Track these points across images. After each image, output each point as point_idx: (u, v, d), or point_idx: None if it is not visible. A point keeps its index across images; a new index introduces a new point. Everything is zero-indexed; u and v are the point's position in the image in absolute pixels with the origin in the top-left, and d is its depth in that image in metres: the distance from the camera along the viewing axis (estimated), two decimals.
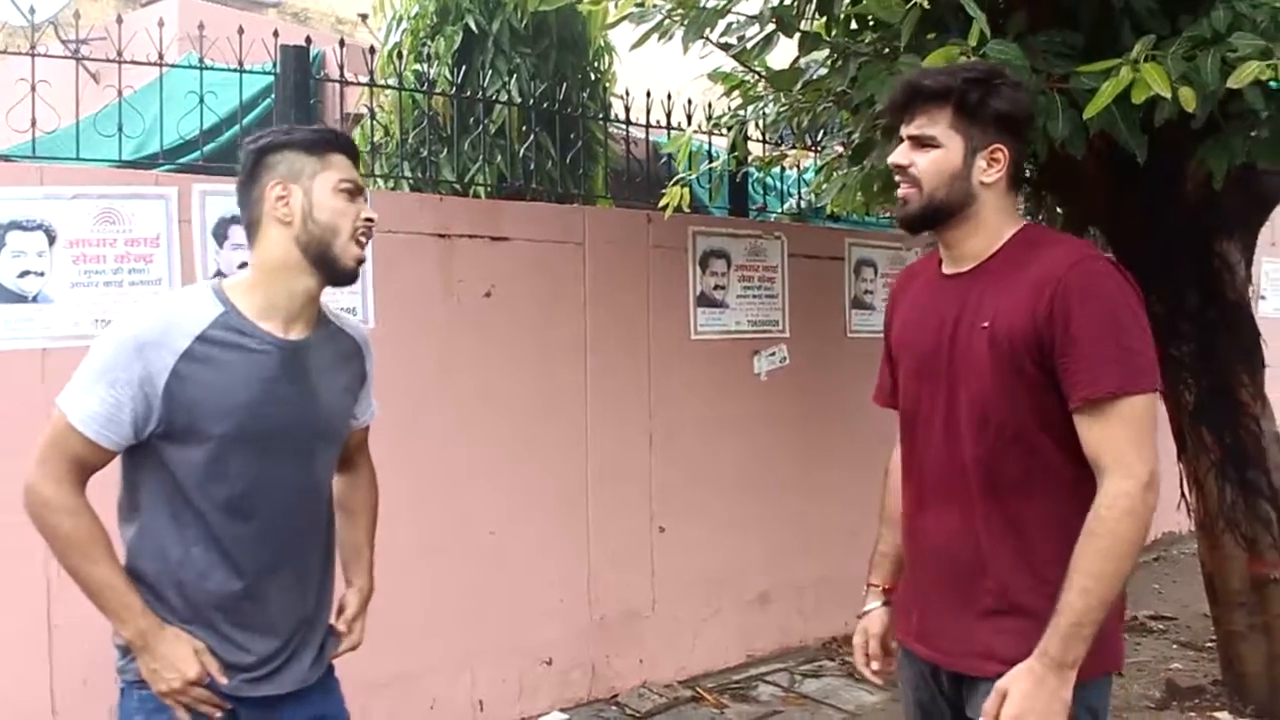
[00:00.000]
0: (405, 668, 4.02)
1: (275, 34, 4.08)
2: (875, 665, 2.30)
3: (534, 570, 4.38)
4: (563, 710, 4.43)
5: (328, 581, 2.16)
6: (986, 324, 1.93)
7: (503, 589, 4.30)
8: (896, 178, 2.03)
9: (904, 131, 2.02)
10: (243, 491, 1.93)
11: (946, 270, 2.06)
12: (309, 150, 1.98)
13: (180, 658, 1.91)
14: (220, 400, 1.88)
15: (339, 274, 1.99)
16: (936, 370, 2.02)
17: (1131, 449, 1.83)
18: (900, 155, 2.01)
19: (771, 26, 3.39)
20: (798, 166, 5.75)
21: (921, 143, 1.98)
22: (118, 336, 1.87)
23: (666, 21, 3.37)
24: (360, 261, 2.00)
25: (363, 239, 2.00)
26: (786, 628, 5.23)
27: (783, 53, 3.83)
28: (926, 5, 2.32)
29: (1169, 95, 2.50)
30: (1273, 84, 2.57)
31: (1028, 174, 4.41)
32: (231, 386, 1.89)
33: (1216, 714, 4.29)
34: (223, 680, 1.95)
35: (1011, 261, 1.96)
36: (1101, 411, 1.83)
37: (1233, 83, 2.45)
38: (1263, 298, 7.78)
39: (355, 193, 2.00)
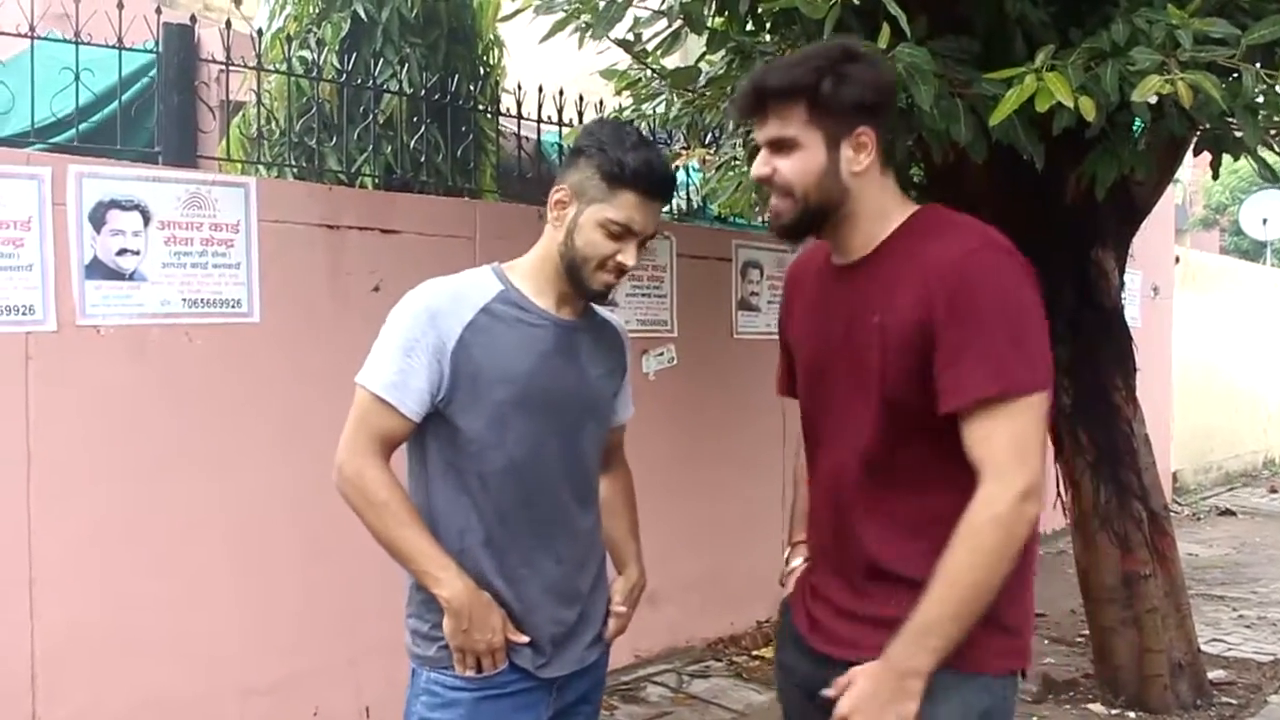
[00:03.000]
0: (286, 672, 3.89)
1: (158, 11, 3.91)
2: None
3: None
4: None
5: (602, 564, 2.21)
6: (877, 317, 1.81)
7: (388, 589, 4.19)
8: (766, 189, 1.91)
9: (759, 138, 1.88)
10: (520, 457, 1.99)
11: (835, 261, 1.93)
12: (604, 175, 1.98)
13: (493, 623, 1.96)
14: (503, 367, 1.97)
15: (585, 292, 2.05)
16: (830, 365, 1.92)
17: (1012, 455, 1.70)
18: (761, 165, 1.87)
19: (679, 23, 3.38)
20: (686, 168, 5.77)
21: (780, 146, 1.84)
22: (411, 308, 1.99)
23: (572, 16, 3.33)
24: (608, 288, 2.05)
25: (610, 276, 2.02)
26: (674, 628, 5.23)
27: (680, 52, 3.83)
28: (857, 3, 2.33)
29: (1071, 104, 2.57)
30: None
31: (915, 180, 4.51)
32: (512, 355, 1.99)
33: (1090, 706, 4.44)
34: (521, 639, 2.01)
35: (903, 250, 1.84)
36: (985, 412, 1.70)
37: (1136, 96, 2.53)
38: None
39: (621, 236, 1.99)
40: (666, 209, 6.18)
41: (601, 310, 2.20)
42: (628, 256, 2.00)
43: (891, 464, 1.83)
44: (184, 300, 3.67)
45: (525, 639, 2.01)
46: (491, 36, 5.59)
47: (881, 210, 1.86)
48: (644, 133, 2.09)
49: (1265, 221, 15.92)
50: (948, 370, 1.71)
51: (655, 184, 1.99)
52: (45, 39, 3.80)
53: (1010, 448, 1.70)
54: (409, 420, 1.97)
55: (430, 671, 2.02)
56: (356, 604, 4.06)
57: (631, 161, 1.96)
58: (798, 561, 2.15)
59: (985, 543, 1.70)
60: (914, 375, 1.76)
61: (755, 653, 5.26)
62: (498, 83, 5.63)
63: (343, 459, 1.99)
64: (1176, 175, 4.93)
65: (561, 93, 5.15)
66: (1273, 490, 12.21)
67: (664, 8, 3.47)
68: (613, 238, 1.98)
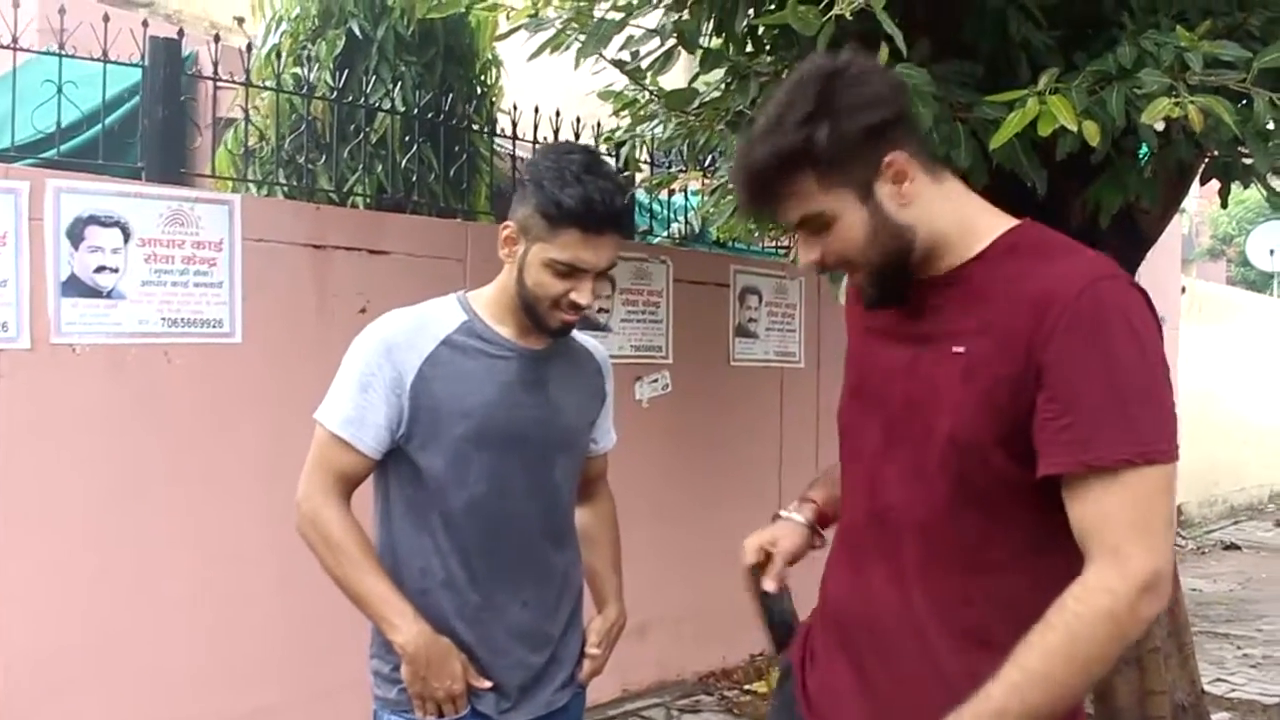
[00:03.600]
0: (259, 703, 3.78)
1: (144, 24, 3.84)
2: (769, 584, 1.89)
3: None
4: None
5: (577, 604, 2.13)
6: (961, 349, 1.51)
7: (365, 621, 4.09)
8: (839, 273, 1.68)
9: (785, 224, 1.60)
10: (483, 495, 1.92)
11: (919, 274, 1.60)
12: (542, 214, 1.89)
13: (451, 670, 1.89)
14: (460, 401, 1.90)
15: (543, 329, 1.97)
16: (883, 397, 1.62)
17: (1133, 534, 1.39)
18: (805, 253, 1.59)
19: (672, 42, 3.30)
20: (685, 191, 5.69)
21: (812, 226, 1.55)
22: (368, 342, 1.94)
23: (564, 34, 3.26)
24: (567, 325, 1.97)
25: (566, 314, 1.94)
26: (664, 661, 5.12)
27: (676, 73, 3.75)
28: (849, 16, 2.25)
29: (1075, 128, 2.48)
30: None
31: None
32: (471, 388, 1.92)
33: None
34: (484, 685, 1.94)
35: (1001, 272, 1.52)
36: (1100, 482, 1.40)
37: (1145, 119, 2.44)
38: None
39: (569, 275, 1.90)
40: (665, 233, 6.11)
41: (579, 336, 2.14)
42: (581, 295, 1.91)
43: (950, 531, 1.53)
44: (163, 319, 3.59)
45: (488, 684, 1.94)
46: (488, 56, 5.52)
47: (962, 222, 1.56)
48: (594, 159, 1.94)
49: (1272, 252, 15.85)
50: (1060, 422, 1.42)
51: (596, 221, 1.88)
52: (28, 50, 3.73)
53: (1135, 525, 1.40)
54: (367, 458, 1.92)
55: (391, 714, 1.96)
56: (334, 635, 3.93)
57: (568, 199, 1.86)
58: (797, 516, 1.92)
59: (1086, 636, 1.38)
60: (999, 419, 1.47)
61: (747, 687, 5.14)
62: (494, 103, 5.56)
63: (301, 497, 1.94)
64: (1183, 205, 4.84)
65: (558, 113, 5.07)
66: (1278, 524, 12.08)
67: (658, 26, 3.39)
68: (561, 277, 1.90)
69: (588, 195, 1.86)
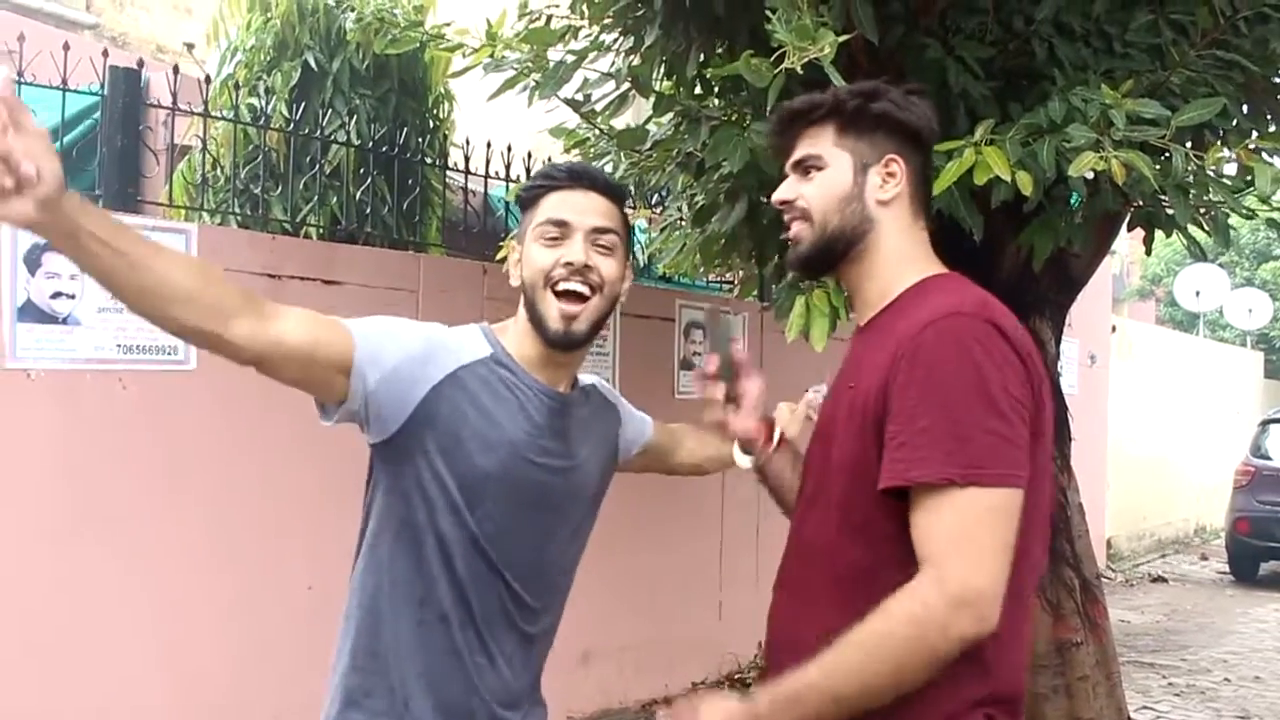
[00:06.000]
0: None
1: (105, 54, 3.89)
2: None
3: None
4: None
5: (544, 656, 1.94)
6: (852, 385, 1.63)
7: (316, 645, 4.11)
8: (786, 217, 1.76)
9: (787, 165, 1.77)
10: (489, 535, 1.72)
11: (857, 320, 1.76)
12: (526, 203, 1.80)
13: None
14: (488, 431, 1.71)
15: (547, 336, 1.74)
16: (819, 433, 1.74)
17: (953, 550, 1.45)
18: (785, 189, 1.74)
19: (627, 85, 3.41)
20: (633, 227, 5.79)
21: (805, 167, 1.72)
22: (418, 326, 1.74)
23: (521, 75, 3.35)
24: (569, 319, 1.72)
25: (560, 290, 1.72)
26: (607, 689, 5.18)
27: (627, 113, 3.86)
28: (800, 70, 2.37)
29: (1009, 178, 2.62)
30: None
31: None
32: (500, 421, 1.72)
33: None
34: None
35: (897, 313, 1.64)
36: (930, 500, 1.48)
37: (1072, 171, 2.58)
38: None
39: (557, 238, 1.73)
40: None
41: (585, 377, 1.94)
42: (572, 251, 1.71)
43: (843, 555, 1.61)
44: (118, 346, 3.62)
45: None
46: (441, 90, 5.61)
47: (902, 257, 1.69)
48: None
49: (1198, 294, 16.31)
50: (895, 442, 1.51)
51: (569, 174, 1.78)
52: None
53: (957, 544, 1.45)
54: (347, 352, 1.61)
55: None
56: (287, 661, 3.97)
57: (539, 174, 1.82)
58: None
59: (893, 640, 1.46)
60: (869, 447, 1.56)
61: None
62: (446, 136, 5.64)
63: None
64: (1114, 246, 5.03)
65: (509, 149, 5.17)
66: (1203, 557, 12.40)
67: (613, 70, 3.50)
68: (550, 242, 1.73)
69: (557, 164, 1.84)
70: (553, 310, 1.72)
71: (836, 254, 1.71)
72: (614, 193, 1.80)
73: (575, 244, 1.72)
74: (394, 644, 1.74)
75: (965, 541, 1.45)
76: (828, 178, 1.69)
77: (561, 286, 1.71)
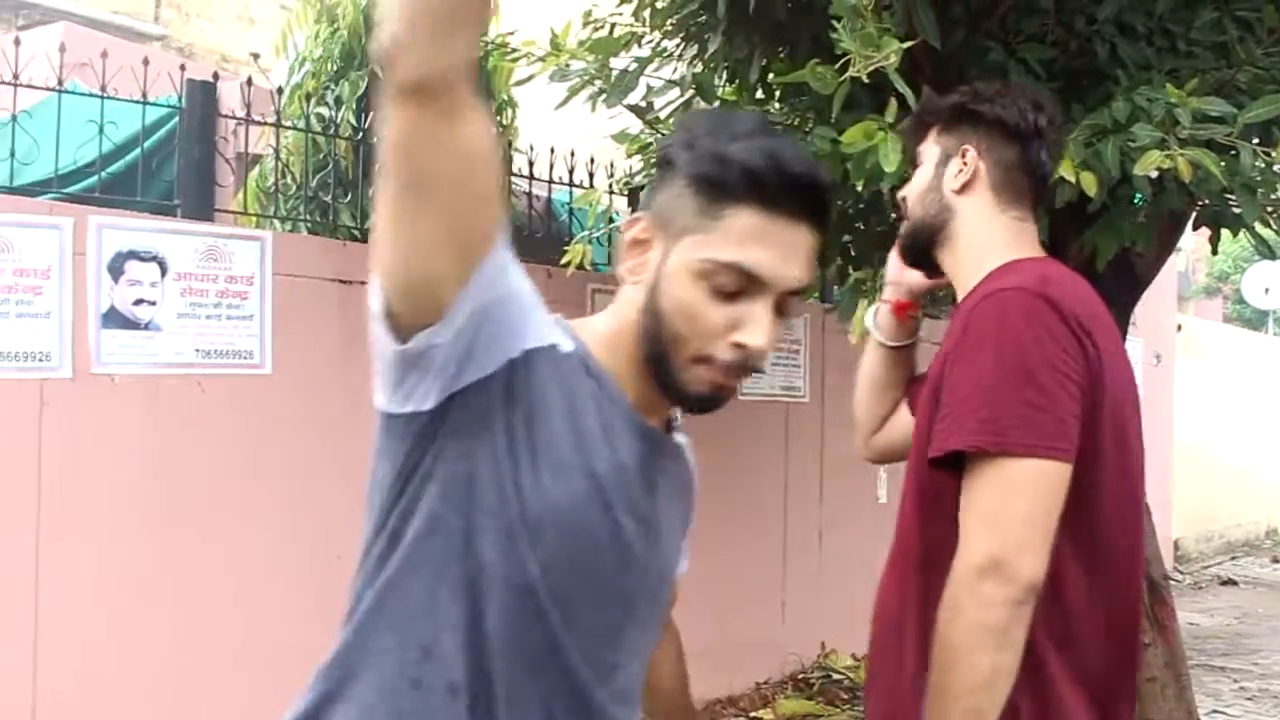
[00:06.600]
0: None
1: (182, 68, 4.02)
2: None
3: None
4: None
5: None
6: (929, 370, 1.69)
7: None
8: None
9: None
10: (554, 590, 1.16)
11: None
12: (698, 184, 1.18)
13: None
14: (568, 449, 1.16)
15: (677, 396, 1.22)
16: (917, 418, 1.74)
17: (978, 521, 1.45)
18: (903, 189, 1.84)
19: (691, 92, 3.46)
20: None
21: (914, 165, 1.83)
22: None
23: (586, 83, 3.41)
24: (718, 393, 1.21)
25: (718, 374, 1.19)
26: None
27: None
28: (866, 79, 2.40)
29: (1073, 179, 2.63)
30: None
31: None
32: (585, 442, 1.18)
33: None
34: None
35: (973, 293, 1.64)
36: (969, 471, 1.48)
37: (1138, 170, 2.59)
38: None
39: (733, 292, 1.16)
40: None
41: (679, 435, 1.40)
42: (752, 331, 1.16)
43: (926, 539, 1.62)
44: (197, 350, 3.73)
45: None
46: (504, 97, 5.69)
47: (985, 243, 1.70)
48: (770, 125, 1.27)
49: (1267, 290, 16.01)
50: (940, 414, 1.54)
51: (788, 190, 1.16)
52: (72, 92, 3.90)
53: (983, 513, 1.46)
54: (496, 222, 1.13)
55: None
56: None
57: (742, 153, 1.15)
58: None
59: (944, 634, 1.46)
60: (931, 423, 1.58)
61: (753, 714, 5.24)
62: (510, 142, 5.72)
63: None
64: (1179, 244, 4.99)
65: (573, 154, 5.24)
66: (1275, 560, 12.18)
67: (676, 77, 3.55)
68: (723, 297, 1.16)
69: (773, 149, 1.16)
70: (693, 382, 1.20)
71: (923, 242, 1.78)
72: (827, 216, 1.23)
73: (761, 315, 1.17)
74: (370, 701, 1.21)
75: (994, 515, 1.46)
76: (919, 173, 1.79)
77: (723, 362, 1.18)
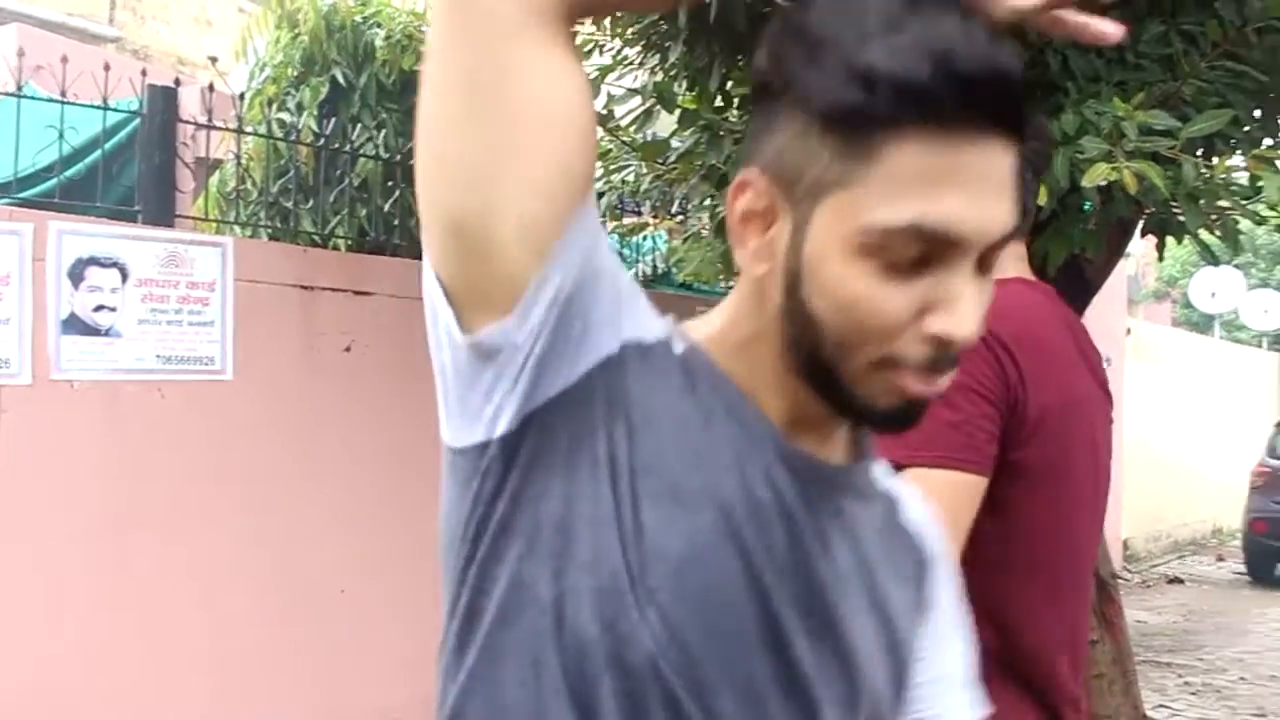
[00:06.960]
0: None
1: (144, 74, 4.02)
2: None
3: (386, 629, 4.31)
4: None
5: None
6: None
7: (364, 651, 4.22)
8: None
9: None
10: (678, 666, 0.79)
11: None
12: (835, 118, 0.79)
13: None
14: (688, 459, 0.83)
15: (851, 412, 0.87)
16: None
17: None
18: None
19: (651, 100, 3.51)
20: (653, 237, 5.89)
21: None
22: None
23: None
24: (910, 400, 0.84)
25: (912, 376, 0.82)
26: None
27: (653, 128, 3.96)
28: None
29: None
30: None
31: None
32: (707, 454, 0.84)
33: None
34: None
35: None
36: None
37: (1086, 182, 2.67)
38: None
39: (916, 262, 0.79)
40: (631, 274, 6.30)
41: (880, 467, 1.03)
42: (952, 315, 0.79)
43: None
44: (158, 356, 3.73)
45: None
46: None
47: None
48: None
49: (1214, 295, 16.33)
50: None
51: (971, 91, 0.76)
52: (31, 97, 3.88)
53: None
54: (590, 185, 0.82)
55: None
56: (330, 667, 4.08)
57: (890, 61, 0.76)
58: None
59: None
60: None
61: None
62: None
63: None
64: (1129, 249, 5.11)
65: None
66: (1220, 559, 12.43)
67: (638, 85, 3.60)
68: (897, 271, 0.79)
69: (934, 41, 0.76)
70: (887, 390, 0.84)
71: None
72: (1024, 116, 0.81)
73: (960, 289, 0.80)
74: None
75: None
76: None
77: (917, 361, 0.82)
